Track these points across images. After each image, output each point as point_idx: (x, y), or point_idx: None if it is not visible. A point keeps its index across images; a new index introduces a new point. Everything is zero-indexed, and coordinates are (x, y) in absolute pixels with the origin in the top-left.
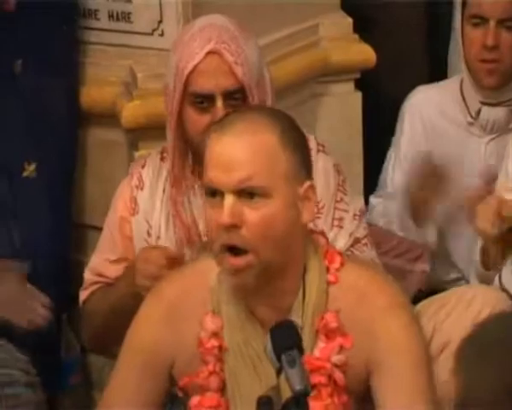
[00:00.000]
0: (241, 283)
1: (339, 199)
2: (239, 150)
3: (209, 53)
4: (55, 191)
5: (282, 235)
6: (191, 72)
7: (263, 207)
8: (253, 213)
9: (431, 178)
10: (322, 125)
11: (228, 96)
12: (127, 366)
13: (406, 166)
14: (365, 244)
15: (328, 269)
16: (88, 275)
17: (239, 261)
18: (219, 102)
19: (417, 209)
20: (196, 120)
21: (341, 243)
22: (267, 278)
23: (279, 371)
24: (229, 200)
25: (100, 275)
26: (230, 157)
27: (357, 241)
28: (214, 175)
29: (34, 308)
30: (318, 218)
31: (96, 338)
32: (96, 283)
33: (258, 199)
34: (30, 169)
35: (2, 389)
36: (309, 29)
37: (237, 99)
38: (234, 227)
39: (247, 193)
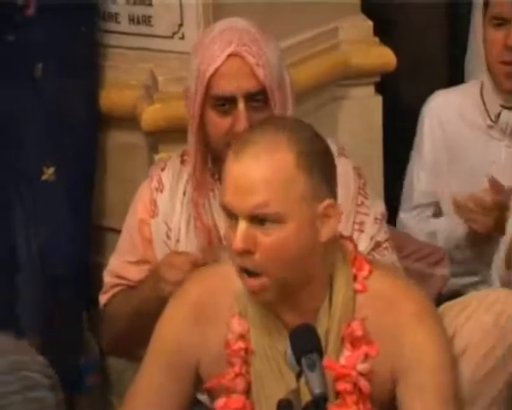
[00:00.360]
0: (260, 300)
1: (359, 203)
2: (255, 176)
3: (230, 55)
4: (74, 194)
5: (295, 256)
6: (212, 75)
7: (276, 233)
8: (266, 239)
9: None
10: (343, 128)
11: (249, 98)
12: (151, 367)
13: (430, 171)
14: (386, 248)
15: (355, 277)
16: (108, 278)
17: (254, 282)
18: (241, 105)
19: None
20: (218, 122)
21: (362, 246)
22: (288, 293)
23: (299, 375)
24: (242, 225)
25: (120, 277)
26: (246, 182)
27: (378, 245)
28: (230, 199)
29: None
30: (339, 222)
31: (118, 341)
32: (117, 285)
33: (271, 225)
34: (49, 173)
35: (25, 392)
36: (329, 32)
37: (259, 101)
38: (247, 252)
39: (259, 219)
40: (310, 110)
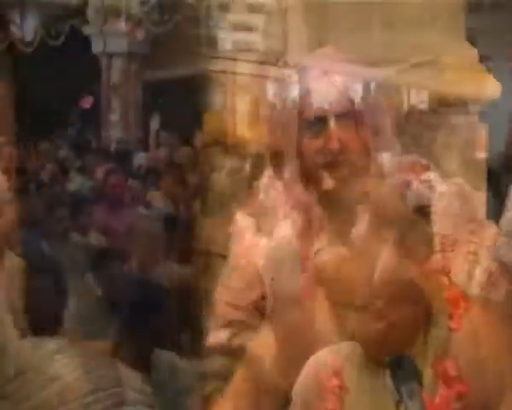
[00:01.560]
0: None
1: (471, 230)
2: None
3: (321, 77)
4: (176, 219)
5: None
6: (303, 97)
7: None
8: None
9: None
10: (447, 156)
11: (340, 117)
12: (239, 396)
13: None
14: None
15: (451, 315)
16: (225, 311)
17: None
18: (332, 124)
19: None
20: (311, 143)
21: (477, 278)
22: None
23: (398, 404)
24: None
25: (237, 308)
26: None
27: (491, 274)
28: None
29: None
30: (452, 251)
31: None
32: (236, 321)
33: None
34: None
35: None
36: (433, 59)
37: (349, 120)
38: None
39: None
40: (413, 137)
